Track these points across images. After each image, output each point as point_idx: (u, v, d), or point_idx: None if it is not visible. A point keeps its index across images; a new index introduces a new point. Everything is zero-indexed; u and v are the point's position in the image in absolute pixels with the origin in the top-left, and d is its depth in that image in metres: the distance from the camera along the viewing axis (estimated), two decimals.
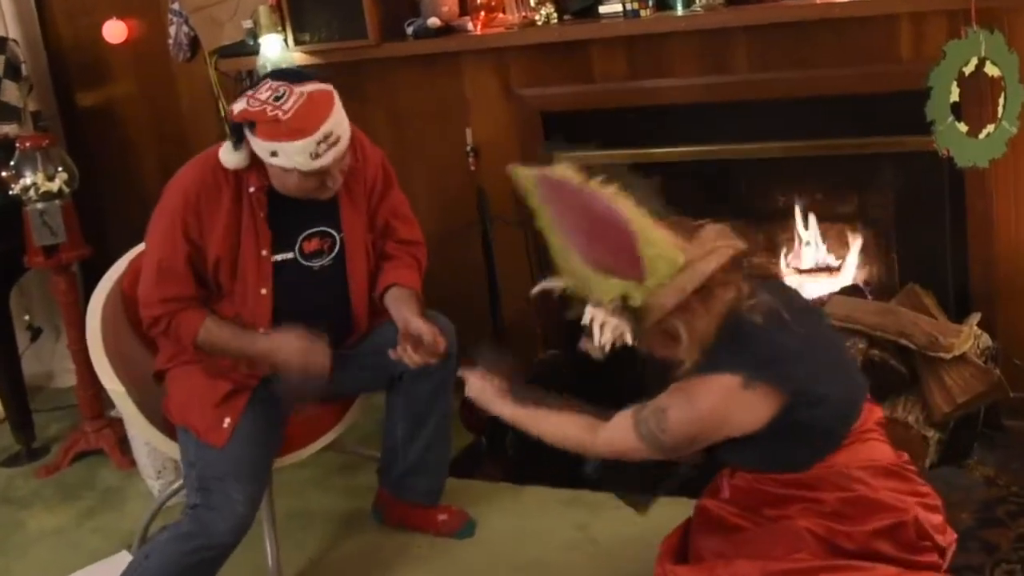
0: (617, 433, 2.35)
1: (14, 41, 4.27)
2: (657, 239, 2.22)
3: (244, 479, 2.78)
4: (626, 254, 2.22)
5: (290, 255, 2.93)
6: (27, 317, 4.48)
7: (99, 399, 3.93)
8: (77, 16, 4.48)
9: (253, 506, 2.78)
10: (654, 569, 2.45)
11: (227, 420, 2.85)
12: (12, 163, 3.75)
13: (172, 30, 4.10)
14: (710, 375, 2.23)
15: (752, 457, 2.35)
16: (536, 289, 2.51)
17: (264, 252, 2.89)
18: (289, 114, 2.69)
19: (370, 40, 3.66)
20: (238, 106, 2.78)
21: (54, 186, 3.72)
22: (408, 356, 2.87)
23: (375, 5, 3.64)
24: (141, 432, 3.15)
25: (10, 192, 3.74)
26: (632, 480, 2.78)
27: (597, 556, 3.09)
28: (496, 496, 3.42)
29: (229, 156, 2.82)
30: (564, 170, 2.34)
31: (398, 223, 3.13)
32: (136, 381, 3.09)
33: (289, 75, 2.81)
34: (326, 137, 2.71)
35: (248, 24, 3.82)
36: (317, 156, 2.71)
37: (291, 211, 2.90)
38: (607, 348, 2.27)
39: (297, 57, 3.75)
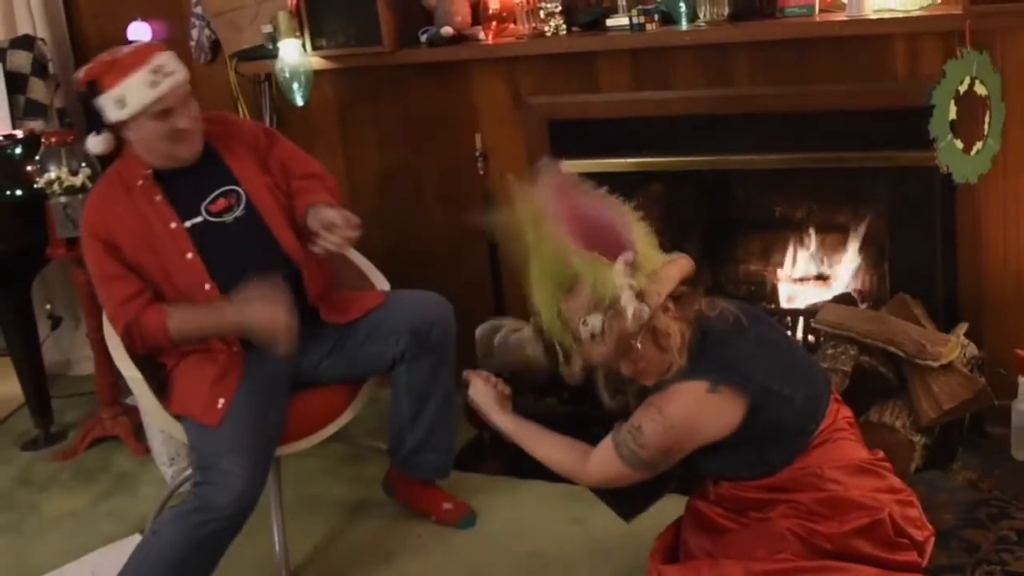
0: (603, 462, 2.40)
1: (42, 40, 4.31)
2: (645, 234, 2.32)
3: (241, 452, 2.79)
4: (624, 245, 2.27)
5: (199, 219, 3.00)
6: (48, 307, 4.51)
7: (116, 387, 3.97)
8: (102, 17, 4.51)
9: (252, 479, 2.78)
10: (647, 566, 2.48)
11: (221, 400, 2.88)
12: (37, 158, 3.79)
13: (194, 33, 4.13)
14: (676, 385, 2.28)
15: (729, 464, 2.38)
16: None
17: (173, 224, 2.96)
18: (124, 55, 2.89)
19: (385, 47, 3.68)
20: (81, 71, 2.93)
21: (77, 180, 3.75)
22: (328, 241, 2.90)
23: (390, 13, 3.66)
24: (155, 418, 3.18)
25: (35, 186, 3.78)
26: (623, 493, 2.84)
27: (593, 549, 3.11)
28: (497, 489, 3.45)
29: (96, 143, 2.99)
30: (564, 168, 2.41)
31: (294, 162, 3.18)
32: (151, 369, 3.12)
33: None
34: (160, 67, 2.88)
35: (267, 29, 3.85)
36: (155, 84, 2.85)
37: (185, 186, 3.00)
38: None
39: (314, 62, 3.77)
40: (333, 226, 2.90)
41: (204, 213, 3.00)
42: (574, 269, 2.29)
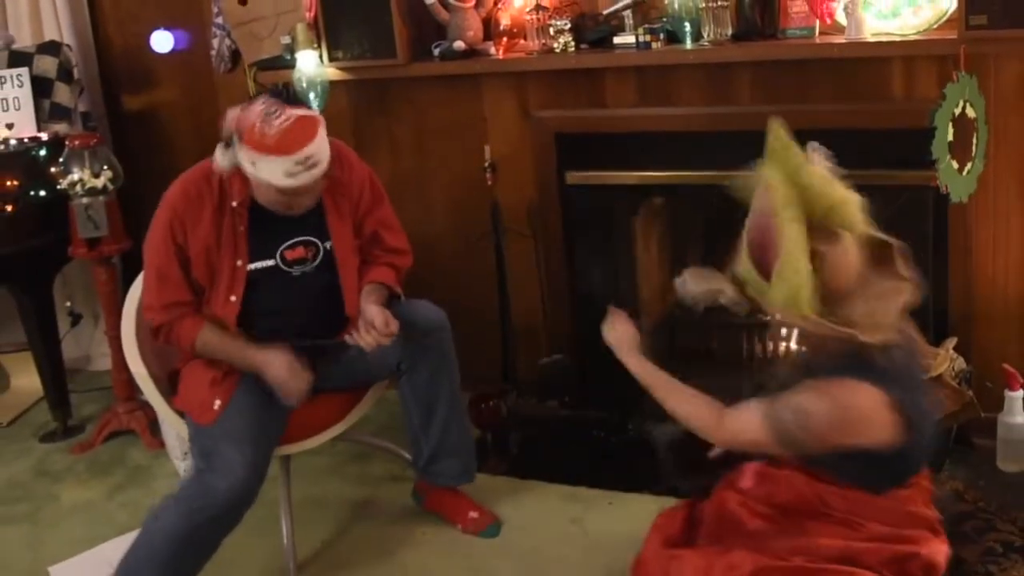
0: (745, 425, 2.27)
1: (67, 46, 4.34)
2: (793, 261, 2.17)
3: (239, 444, 2.81)
4: (766, 261, 2.21)
5: (270, 263, 2.96)
6: (69, 304, 4.53)
7: (132, 382, 3.93)
8: (127, 24, 4.54)
9: (251, 470, 2.78)
10: (643, 545, 2.47)
11: (217, 402, 2.90)
12: (61, 160, 3.82)
13: (215, 42, 4.15)
14: (856, 383, 2.16)
15: (850, 469, 2.29)
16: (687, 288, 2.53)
17: (240, 262, 2.93)
18: (275, 131, 2.73)
19: (399, 59, 3.70)
20: (232, 114, 2.84)
21: (99, 183, 3.78)
22: (361, 338, 2.90)
23: (405, 27, 3.68)
24: (160, 412, 3.23)
25: (58, 187, 3.81)
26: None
27: (589, 548, 3.12)
28: (498, 489, 3.46)
29: (220, 158, 2.87)
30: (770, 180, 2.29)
31: (386, 233, 3.16)
32: (165, 369, 3.18)
33: (284, 97, 2.85)
34: (304, 160, 2.75)
35: (286, 40, 3.86)
36: (291, 175, 2.75)
37: (274, 222, 2.93)
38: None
39: (330, 72, 3.79)
40: (371, 326, 2.90)
41: (278, 258, 2.97)
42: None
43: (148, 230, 2.98)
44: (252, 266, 2.95)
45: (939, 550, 2.29)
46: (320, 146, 2.81)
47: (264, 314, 2.96)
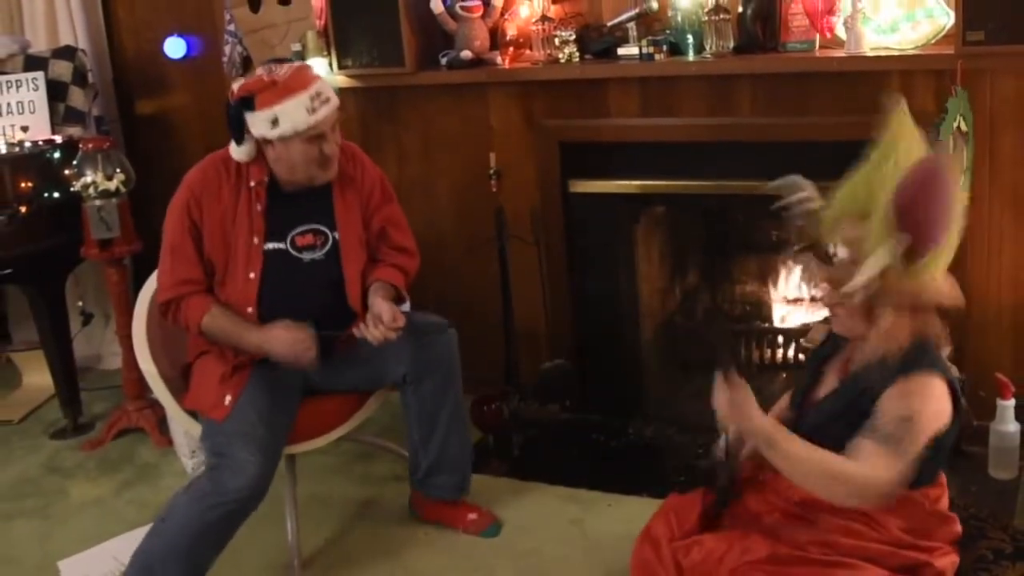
0: (883, 465, 2.12)
1: (82, 51, 4.36)
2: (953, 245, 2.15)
3: (250, 442, 2.83)
4: (932, 239, 2.14)
5: (281, 245, 3.01)
6: (80, 303, 4.55)
7: (142, 381, 3.94)
8: (141, 30, 4.56)
9: (262, 468, 2.81)
10: (651, 521, 2.46)
11: (228, 397, 2.92)
12: (75, 162, 3.84)
13: (227, 49, 4.16)
14: (924, 374, 2.15)
15: None
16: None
17: (256, 240, 2.97)
18: (284, 77, 2.85)
19: (407, 68, 3.72)
20: (236, 84, 2.91)
21: (112, 185, 3.80)
22: (369, 332, 2.93)
23: (413, 36, 3.71)
24: (169, 410, 3.25)
25: (71, 189, 3.83)
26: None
27: (588, 549, 3.13)
28: (500, 490, 3.47)
29: (237, 152, 2.96)
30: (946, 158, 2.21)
31: (394, 230, 3.20)
32: (176, 368, 3.20)
33: (275, 60, 2.98)
34: (319, 94, 2.87)
35: (296, 47, 3.89)
36: (313, 111, 2.85)
37: (287, 206, 3.00)
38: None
39: (339, 80, 3.81)
40: (379, 320, 2.92)
41: (288, 242, 3.01)
42: (874, 209, 2.17)
43: (167, 212, 3.02)
44: (265, 246, 2.99)
45: (951, 561, 2.30)
46: (326, 85, 2.94)
47: (273, 298, 2.97)
